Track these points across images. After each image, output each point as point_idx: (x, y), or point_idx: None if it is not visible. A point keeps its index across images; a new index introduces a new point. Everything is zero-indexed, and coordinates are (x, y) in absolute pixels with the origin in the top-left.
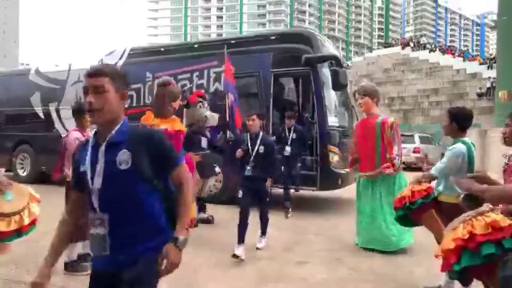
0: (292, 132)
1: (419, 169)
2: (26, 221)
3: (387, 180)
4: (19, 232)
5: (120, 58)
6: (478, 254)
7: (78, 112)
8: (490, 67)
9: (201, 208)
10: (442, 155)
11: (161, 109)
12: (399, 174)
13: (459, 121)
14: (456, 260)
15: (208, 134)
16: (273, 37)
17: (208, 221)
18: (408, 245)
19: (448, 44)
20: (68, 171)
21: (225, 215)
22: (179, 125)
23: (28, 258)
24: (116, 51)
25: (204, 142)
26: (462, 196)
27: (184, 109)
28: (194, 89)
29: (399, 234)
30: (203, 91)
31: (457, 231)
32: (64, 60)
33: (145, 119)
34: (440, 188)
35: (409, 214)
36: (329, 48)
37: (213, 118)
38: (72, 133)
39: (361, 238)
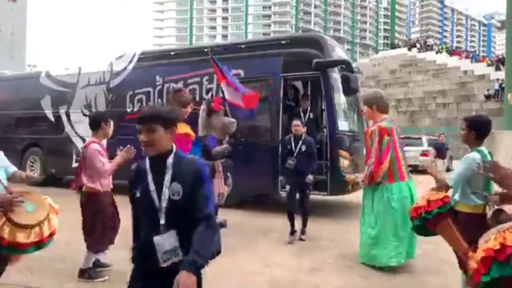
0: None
1: (425, 171)
2: (46, 232)
3: (376, 190)
4: (38, 244)
5: (129, 62)
6: (508, 265)
7: (97, 122)
8: (498, 68)
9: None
10: (451, 158)
11: None
12: (385, 187)
13: (478, 130)
14: (485, 271)
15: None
16: (284, 42)
17: (221, 225)
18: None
19: (455, 45)
20: (88, 183)
21: (234, 220)
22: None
23: (42, 264)
24: (126, 55)
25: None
26: (491, 212)
27: (205, 117)
28: (203, 95)
29: (383, 250)
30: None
31: (488, 242)
32: (70, 61)
33: None
34: (456, 197)
35: (425, 224)
36: (340, 52)
37: (232, 124)
38: (91, 145)
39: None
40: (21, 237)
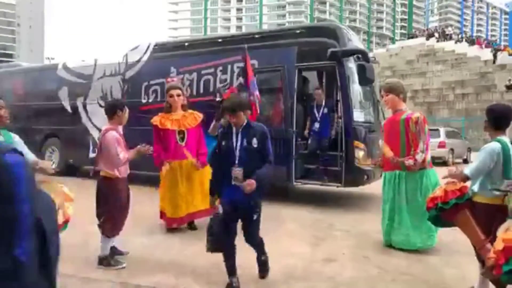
0: None
1: (443, 163)
2: (61, 220)
3: (412, 176)
4: None
5: (144, 53)
6: None
7: (113, 109)
8: None
9: None
10: (469, 149)
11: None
12: (426, 172)
13: (495, 118)
14: (505, 261)
15: None
16: (298, 31)
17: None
18: (429, 247)
19: (475, 34)
20: (106, 168)
21: None
22: (155, 119)
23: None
24: (141, 46)
25: None
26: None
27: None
28: (217, 85)
29: (418, 233)
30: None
31: (508, 232)
32: (87, 54)
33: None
34: (475, 188)
35: (441, 215)
36: (356, 42)
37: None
38: (109, 133)
39: (384, 236)
40: None
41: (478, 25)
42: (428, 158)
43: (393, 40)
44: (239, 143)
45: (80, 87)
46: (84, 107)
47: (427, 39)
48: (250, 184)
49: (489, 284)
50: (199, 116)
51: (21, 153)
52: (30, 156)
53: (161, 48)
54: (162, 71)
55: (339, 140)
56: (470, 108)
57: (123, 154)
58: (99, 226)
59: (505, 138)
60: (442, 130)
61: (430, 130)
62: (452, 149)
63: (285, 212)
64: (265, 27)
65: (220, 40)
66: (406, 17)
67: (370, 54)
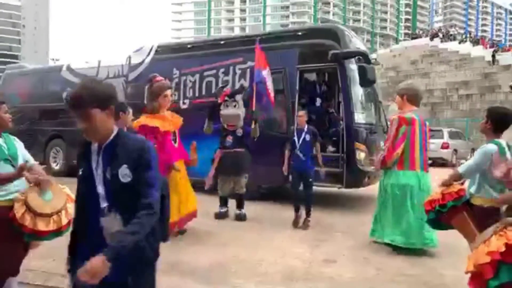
0: None
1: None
2: (64, 221)
3: (384, 175)
4: (57, 232)
5: (147, 55)
6: None
7: (116, 111)
8: None
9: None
10: (473, 150)
11: (147, 105)
12: (395, 172)
13: (495, 121)
14: (493, 275)
15: (240, 131)
16: (300, 33)
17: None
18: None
19: (480, 34)
20: None
21: (251, 212)
22: (150, 121)
23: (65, 251)
24: (144, 47)
25: (228, 141)
26: (505, 206)
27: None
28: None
29: (390, 229)
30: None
31: (490, 243)
32: (92, 55)
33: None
34: (473, 190)
35: (440, 218)
36: (357, 43)
37: (228, 117)
38: None
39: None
40: (41, 225)
41: (483, 25)
42: (395, 158)
43: (397, 41)
44: (100, 171)
45: None
46: None
47: (431, 39)
48: (91, 269)
49: None
50: (179, 116)
51: None
52: (32, 162)
53: (164, 50)
54: (165, 73)
55: (340, 141)
56: (474, 108)
57: None
58: None
59: (502, 141)
60: (445, 131)
61: (433, 131)
62: (455, 150)
63: (285, 213)
64: (268, 27)
65: (222, 42)
66: (410, 17)
67: (373, 56)
